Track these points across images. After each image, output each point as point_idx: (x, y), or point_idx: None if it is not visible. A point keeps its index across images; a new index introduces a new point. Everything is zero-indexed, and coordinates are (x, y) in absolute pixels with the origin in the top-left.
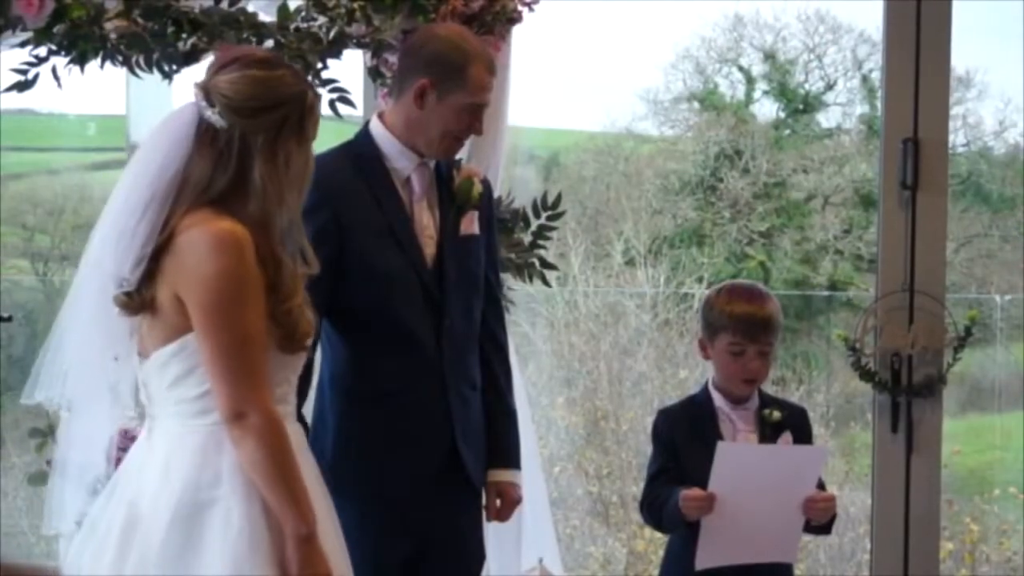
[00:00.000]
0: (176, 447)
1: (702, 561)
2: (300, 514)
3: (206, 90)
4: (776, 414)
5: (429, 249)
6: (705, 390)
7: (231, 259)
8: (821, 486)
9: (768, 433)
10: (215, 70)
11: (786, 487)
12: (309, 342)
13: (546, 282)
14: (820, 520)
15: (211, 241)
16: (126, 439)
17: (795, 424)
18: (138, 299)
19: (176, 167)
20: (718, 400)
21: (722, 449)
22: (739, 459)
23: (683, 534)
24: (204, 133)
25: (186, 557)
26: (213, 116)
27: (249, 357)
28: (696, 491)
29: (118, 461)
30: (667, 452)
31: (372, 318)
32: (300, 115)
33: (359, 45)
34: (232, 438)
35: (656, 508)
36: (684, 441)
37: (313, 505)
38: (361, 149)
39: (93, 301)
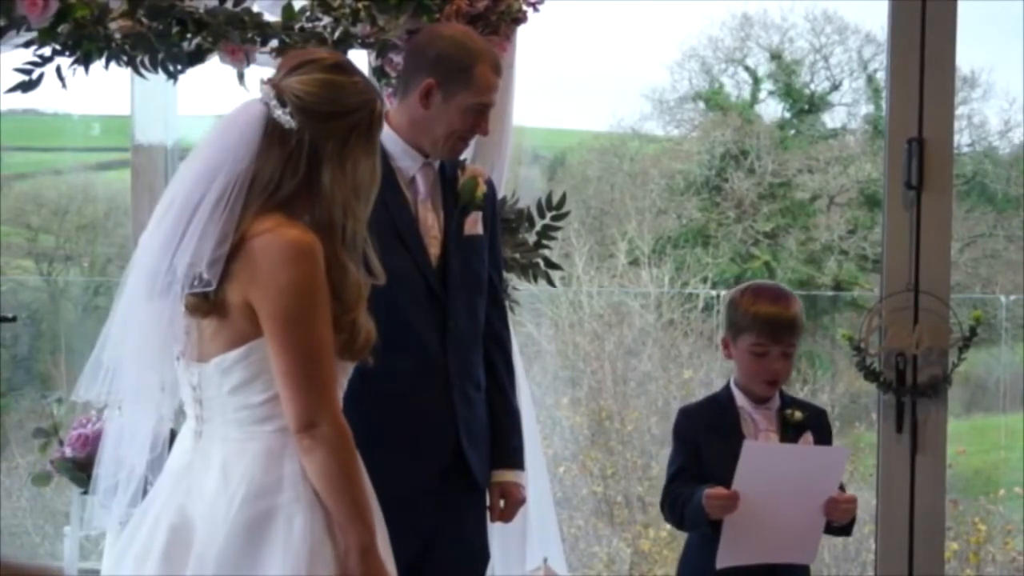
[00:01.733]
0: (236, 452)
1: (723, 560)
2: (365, 526)
3: (278, 89)
4: (798, 414)
5: (433, 249)
6: (727, 389)
7: (305, 269)
8: (840, 487)
9: (790, 433)
10: (288, 70)
11: (809, 487)
12: (368, 350)
13: (551, 282)
14: (841, 521)
15: (286, 250)
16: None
17: (815, 425)
18: (208, 301)
19: (245, 165)
20: (740, 399)
21: (748, 448)
22: (765, 458)
23: (702, 532)
24: (271, 132)
25: (247, 563)
26: (283, 116)
27: (321, 367)
28: (720, 490)
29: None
30: (688, 450)
31: (376, 318)
32: (369, 123)
33: (364, 45)
34: (301, 447)
35: (678, 506)
36: (705, 439)
37: None
38: None
39: (146, 300)
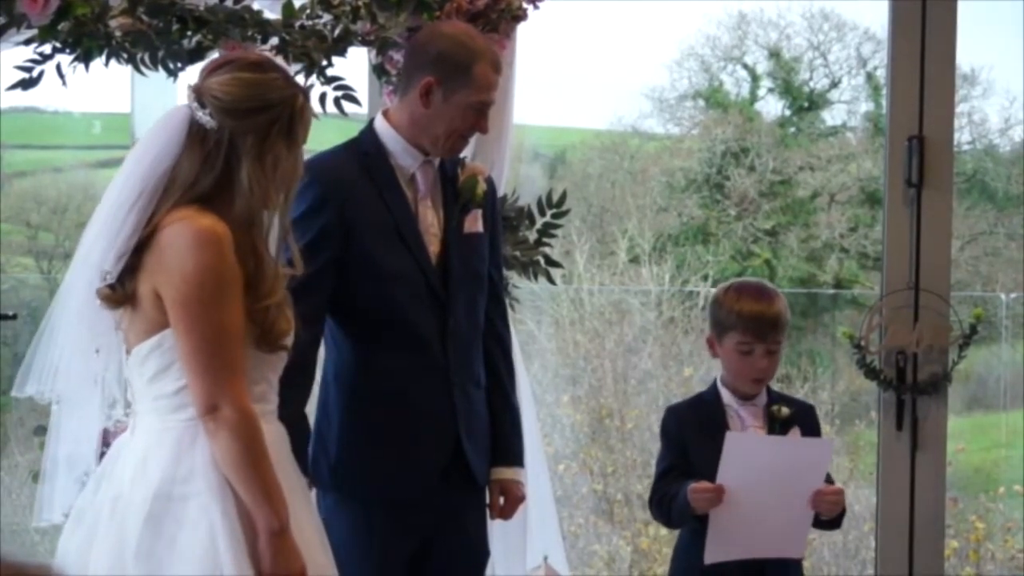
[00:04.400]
0: (154, 443)
1: (711, 555)
2: (272, 509)
3: (198, 92)
4: (785, 410)
5: (434, 247)
6: (714, 387)
7: (210, 255)
8: (829, 481)
9: (777, 429)
10: (208, 72)
11: (795, 480)
12: (287, 341)
13: (551, 280)
14: (829, 514)
15: (191, 237)
16: (113, 434)
17: (803, 420)
18: (120, 292)
19: (166, 165)
20: (727, 397)
21: (731, 439)
22: (748, 450)
23: (692, 528)
24: (195, 134)
25: (160, 552)
26: (204, 117)
27: (225, 352)
28: (705, 483)
29: (103, 455)
30: (676, 449)
31: (376, 316)
32: (290, 118)
33: (364, 43)
34: (207, 431)
35: (665, 503)
36: (693, 438)
37: (290, 502)
38: (366, 147)
39: (81, 294)
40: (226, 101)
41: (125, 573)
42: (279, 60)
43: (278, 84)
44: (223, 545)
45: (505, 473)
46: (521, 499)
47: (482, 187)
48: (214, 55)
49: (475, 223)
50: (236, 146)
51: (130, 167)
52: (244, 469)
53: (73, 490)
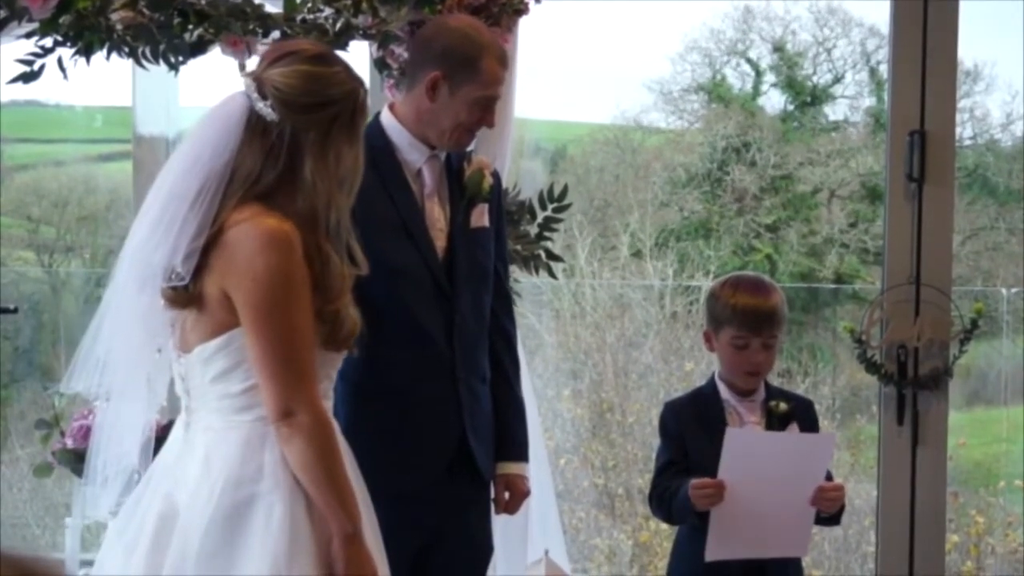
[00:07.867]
0: (218, 442)
1: (712, 553)
2: (347, 513)
3: (259, 81)
4: (783, 405)
5: (440, 242)
6: (712, 382)
7: (280, 257)
8: (828, 477)
9: (775, 425)
10: (269, 62)
11: (796, 476)
12: (353, 341)
13: (552, 274)
14: (830, 511)
15: (261, 238)
16: (155, 431)
17: (802, 416)
18: (185, 294)
19: (227, 157)
20: (724, 392)
21: (731, 435)
22: (748, 445)
23: (692, 525)
24: (255, 125)
25: (227, 552)
26: (264, 109)
27: (298, 355)
28: (706, 479)
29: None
30: (675, 445)
31: (382, 312)
32: (352, 113)
33: (365, 37)
34: (280, 436)
35: (665, 500)
36: (691, 433)
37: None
38: (372, 141)
39: (136, 292)
40: (287, 93)
41: (188, 574)
42: None
43: (340, 78)
44: (289, 546)
45: (511, 468)
46: (526, 494)
47: (488, 181)
48: (215, 49)
49: (481, 218)
50: (298, 141)
51: (186, 158)
52: (319, 474)
53: (118, 488)
